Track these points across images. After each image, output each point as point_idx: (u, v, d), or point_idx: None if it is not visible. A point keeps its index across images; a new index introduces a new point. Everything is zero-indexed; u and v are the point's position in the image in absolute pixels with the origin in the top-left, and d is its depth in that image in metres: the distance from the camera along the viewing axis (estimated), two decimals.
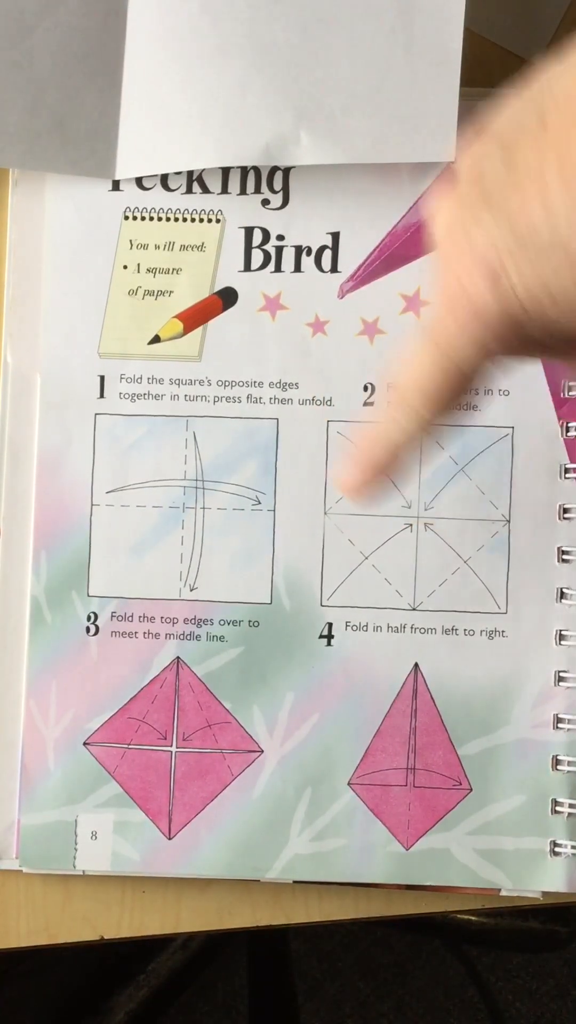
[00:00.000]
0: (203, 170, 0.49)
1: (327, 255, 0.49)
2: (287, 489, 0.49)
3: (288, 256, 0.49)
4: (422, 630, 0.48)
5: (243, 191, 0.49)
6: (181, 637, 0.48)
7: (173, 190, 0.49)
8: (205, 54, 0.47)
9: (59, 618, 0.48)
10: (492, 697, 0.48)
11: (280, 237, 0.49)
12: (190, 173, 0.49)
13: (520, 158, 0.34)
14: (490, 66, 0.51)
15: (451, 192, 0.37)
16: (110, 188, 0.49)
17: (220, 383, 0.49)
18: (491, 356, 0.37)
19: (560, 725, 0.48)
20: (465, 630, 0.48)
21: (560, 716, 0.48)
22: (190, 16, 0.47)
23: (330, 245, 0.49)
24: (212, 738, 0.48)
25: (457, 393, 0.38)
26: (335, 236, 0.49)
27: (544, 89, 0.35)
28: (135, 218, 0.49)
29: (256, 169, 0.49)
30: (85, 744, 0.48)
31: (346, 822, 0.48)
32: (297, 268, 0.49)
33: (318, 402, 0.49)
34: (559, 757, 0.48)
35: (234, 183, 0.49)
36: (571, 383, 0.48)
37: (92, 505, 0.49)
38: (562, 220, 0.32)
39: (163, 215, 0.49)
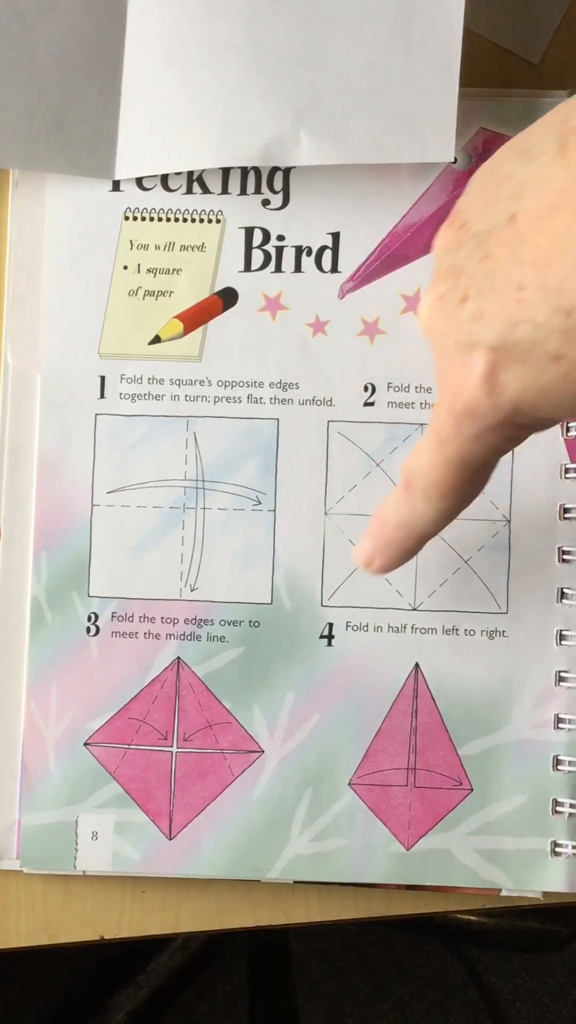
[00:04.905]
0: (203, 170, 0.49)
1: (327, 255, 0.49)
2: (287, 489, 0.49)
3: (288, 256, 0.49)
4: (423, 630, 0.48)
5: (243, 191, 0.49)
6: (182, 637, 0.48)
7: (173, 190, 0.49)
8: (205, 54, 0.47)
9: (59, 618, 0.48)
10: (493, 697, 0.48)
11: (280, 237, 0.49)
12: (190, 173, 0.49)
13: (494, 255, 0.33)
14: (490, 66, 0.51)
15: (432, 286, 0.35)
16: (110, 188, 0.49)
17: (220, 383, 0.49)
18: (494, 449, 0.36)
19: (561, 725, 0.48)
20: (466, 630, 0.48)
21: (561, 716, 0.48)
22: (190, 16, 0.47)
23: (330, 245, 0.49)
24: (213, 738, 0.48)
25: (466, 484, 0.38)
26: (335, 236, 0.49)
27: (511, 178, 0.33)
28: (135, 218, 0.49)
29: (256, 169, 0.49)
30: (86, 744, 0.48)
31: (346, 822, 0.48)
32: (297, 268, 0.49)
33: (318, 402, 0.49)
34: (560, 757, 0.48)
35: (234, 183, 0.49)
36: None
37: (92, 505, 0.49)
38: (542, 323, 0.31)
39: (163, 215, 0.49)
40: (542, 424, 0.35)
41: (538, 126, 0.33)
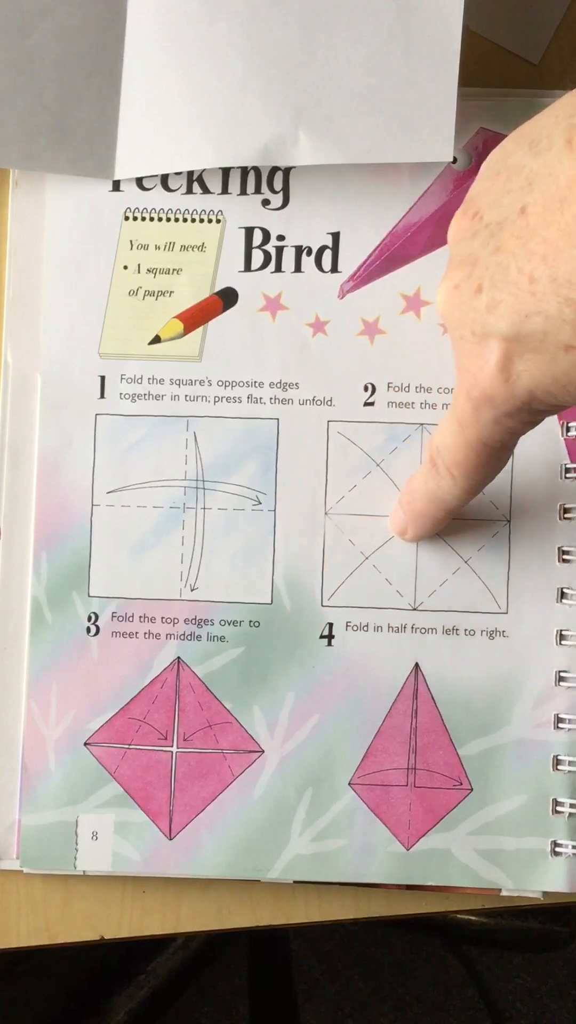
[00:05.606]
0: (203, 170, 0.49)
1: (327, 255, 0.49)
2: (287, 489, 0.49)
3: (288, 256, 0.49)
4: (423, 630, 0.48)
5: (243, 191, 0.49)
6: (182, 637, 0.48)
7: (173, 190, 0.49)
8: (204, 54, 0.47)
9: (60, 618, 0.48)
10: (493, 697, 0.48)
11: (280, 237, 0.49)
12: (190, 173, 0.49)
13: (506, 247, 0.33)
14: (490, 66, 0.51)
15: (448, 275, 0.36)
16: (110, 188, 0.49)
17: (220, 383, 0.49)
18: (512, 431, 0.37)
19: (561, 725, 0.48)
20: (466, 630, 0.48)
21: (561, 716, 0.48)
22: (190, 16, 0.47)
23: (330, 245, 0.49)
24: (213, 738, 0.48)
25: (488, 463, 0.40)
26: (335, 236, 0.49)
27: (521, 170, 0.34)
28: (135, 218, 0.49)
29: (256, 169, 0.49)
30: (86, 744, 0.48)
31: (347, 822, 0.48)
32: (297, 268, 0.49)
33: (318, 402, 0.49)
34: (560, 757, 0.48)
35: (234, 183, 0.49)
36: None
37: (92, 505, 0.49)
38: (554, 315, 0.32)
39: (163, 215, 0.49)
40: (557, 409, 0.36)
41: (546, 116, 0.34)
